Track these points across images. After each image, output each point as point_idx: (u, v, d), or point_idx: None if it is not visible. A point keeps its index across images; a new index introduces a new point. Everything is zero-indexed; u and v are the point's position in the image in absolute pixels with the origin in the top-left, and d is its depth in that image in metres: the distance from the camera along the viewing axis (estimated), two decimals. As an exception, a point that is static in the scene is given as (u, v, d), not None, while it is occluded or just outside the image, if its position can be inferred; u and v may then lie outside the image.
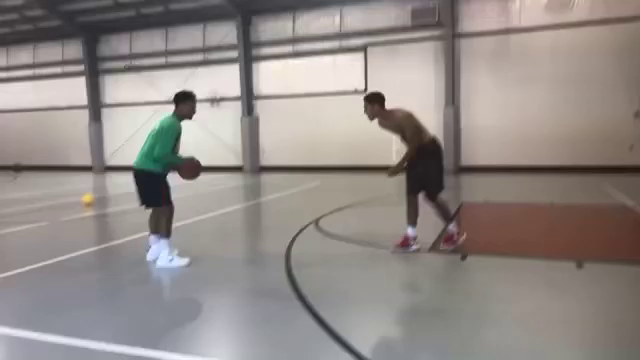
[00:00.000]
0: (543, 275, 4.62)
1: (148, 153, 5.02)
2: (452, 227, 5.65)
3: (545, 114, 14.97)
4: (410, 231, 5.54)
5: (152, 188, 5.11)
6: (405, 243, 5.52)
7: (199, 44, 19.37)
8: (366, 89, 17.05)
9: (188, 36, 19.50)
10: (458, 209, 8.46)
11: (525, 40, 15.16)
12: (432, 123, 15.73)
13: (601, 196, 9.83)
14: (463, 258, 5.28)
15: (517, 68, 15.28)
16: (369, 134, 17.14)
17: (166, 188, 5.18)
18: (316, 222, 7.47)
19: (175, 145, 5.09)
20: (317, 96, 17.78)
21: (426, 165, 5.46)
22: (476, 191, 11.82)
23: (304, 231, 6.87)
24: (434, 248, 5.61)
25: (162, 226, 5.16)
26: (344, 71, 17.42)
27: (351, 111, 16.44)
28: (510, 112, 15.38)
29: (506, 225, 7.50)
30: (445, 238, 5.70)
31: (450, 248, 5.55)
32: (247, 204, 10.65)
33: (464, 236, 5.77)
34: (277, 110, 18.49)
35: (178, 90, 5.23)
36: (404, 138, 5.50)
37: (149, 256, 5.32)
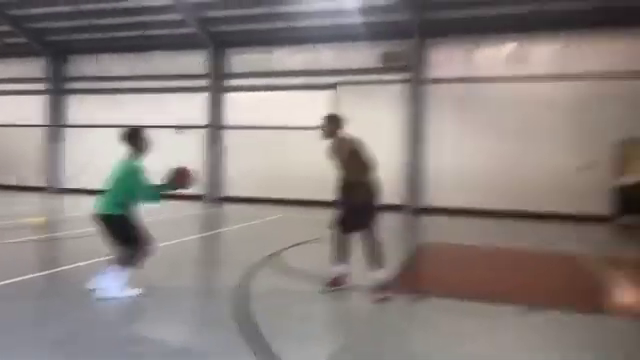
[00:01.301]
0: (491, 320, 4.69)
1: (115, 197, 4.91)
2: (381, 274, 5.39)
3: (501, 160, 15.50)
4: (341, 269, 5.48)
5: (121, 231, 4.94)
6: (337, 282, 5.46)
7: (169, 70, 19.35)
8: (333, 126, 17.33)
9: (159, 62, 19.46)
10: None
11: (486, 89, 15.82)
12: (397, 163, 16.16)
13: (548, 243, 10.14)
14: (416, 300, 5.31)
15: (479, 115, 15.88)
16: (332, 171, 17.47)
17: (135, 228, 5.03)
18: (274, 255, 7.41)
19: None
20: (286, 130, 17.92)
21: (371, 201, 5.39)
22: (434, 232, 12.01)
23: (260, 264, 6.80)
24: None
25: (124, 259, 4.99)
26: (314, 107, 17.59)
27: (319, 147, 16.69)
28: (471, 157, 15.86)
29: (460, 267, 7.62)
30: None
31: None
32: (205, 234, 10.48)
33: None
34: (244, 141, 18.50)
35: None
36: (350, 167, 5.40)
37: (94, 284, 5.10)
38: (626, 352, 4.09)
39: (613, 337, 4.45)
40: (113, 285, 4.93)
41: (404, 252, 8.44)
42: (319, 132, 5.57)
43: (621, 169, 15.50)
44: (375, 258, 5.37)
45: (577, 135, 14.88)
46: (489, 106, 15.76)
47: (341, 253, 5.53)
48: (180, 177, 5.24)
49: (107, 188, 5.00)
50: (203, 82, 18.77)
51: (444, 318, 4.77)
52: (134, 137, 5.07)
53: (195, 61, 18.93)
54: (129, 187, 4.91)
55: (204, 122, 18.87)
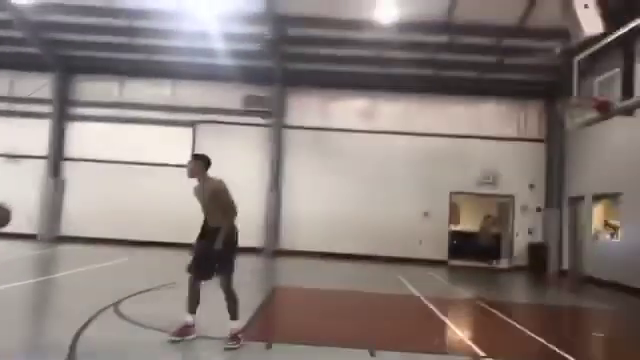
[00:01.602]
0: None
1: None
2: (235, 324, 5.21)
3: (354, 206, 16.50)
4: (189, 319, 5.26)
5: None
6: (183, 332, 5.20)
7: (3, 92, 17.14)
8: (191, 164, 16.82)
9: (-9, 81, 17.15)
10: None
11: (340, 138, 16.90)
12: (255, 205, 16.17)
13: (396, 285, 10.94)
14: (269, 347, 5.25)
15: (333, 162, 16.80)
16: (190, 212, 16.77)
17: None
18: (116, 305, 6.76)
19: None
20: (137, 165, 16.88)
21: (232, 247, 5.27)
22: (290, 275, 12.15)
23: (100, 315, 6.14)
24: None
25: None
26: (170, 144, 16.97)
27: (172, 186, 15.96)
28: (325, 202, 16.58)
29: (312, 311, 7.79)
30: (182, 330, 5.18)
31: (234, 346, 5.05)
32: (36, 280, 9.20)
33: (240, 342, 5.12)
34: (89, 175, 16.92)
35: None
36: (212, 210, 5.28)
37: None
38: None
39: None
40: None
41: (260, 296, 8.35)
42: (186, 170, 5.35)
43: (453, 218, 17.61)
44: (229, 309, 5.22)
45: (419, 185, 16.54)
46: (342, 155, 16.81)
47: (190, 301, 5.28)
48: None
49: None
50: (45, 108, 16.96)
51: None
52: None
53: (35, 84, 17.04)
54: None
55: (44, 152, 16.93)
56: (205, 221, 5.42)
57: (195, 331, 5.27)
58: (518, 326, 7.16)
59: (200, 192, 5.36)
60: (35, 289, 8.34)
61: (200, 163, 5.33)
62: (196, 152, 5.52)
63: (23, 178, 16.71)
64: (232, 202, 5.30)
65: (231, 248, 5.26)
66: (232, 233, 5.28)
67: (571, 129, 11.06)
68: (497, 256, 17.67)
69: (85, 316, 5.86)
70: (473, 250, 18.10)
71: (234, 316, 5.21)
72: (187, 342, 5.15)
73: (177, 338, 5.14)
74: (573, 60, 10.33)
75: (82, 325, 5.49)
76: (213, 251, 5.11)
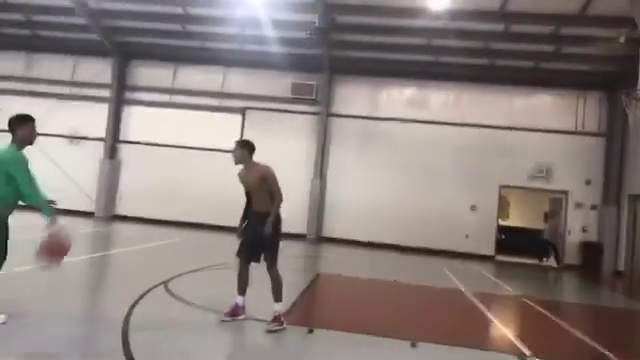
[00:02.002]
0: (380, 353, 4.85)
1: None
2: (278, 306, 5.28)
3: (399, 197, 16.35)
4: (239, 300, 5.42)
5: None
6: (234, 313, 5.38)
7: (66, 76, 18.04)
8: (239, 150, 17.16)
9: (55, 65, 18.07)
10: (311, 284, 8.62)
11: (388, 128, 16.73)
12: (300, 192, 16.35)
13: (440, 278, 10.81)
14: (310, 331, 5.35)
15: (379, 152, 16.68)
16: (237, 196, 17.14)
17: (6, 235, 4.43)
18: (166, 283, 7.06)
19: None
20: (188, 149, 17.39)
21: (278, 231, 5.35)
22: (333, 262, 12.24)
23: (151, 292, 6.44)
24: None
25: None
26: (220, 130, 17.38)
27: (222, 170, 16.34)
28: (370, 191, 16.52)
29: (354, 299, 7.83)
30: (232, 310, 5.38)
31: (275, 327, 5.14)
32: (93, 255, 9.73)
33: (283, 325, 5.21)
34: (143, 158, 17.62)
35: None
36: (260, 195, 5.36)
37: None
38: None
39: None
40: None
41: (304, 281, 8.49)
42: (231, 156, 5.47)
43: (501, 213, 17.13)
44: (274, 290, 5.33)
45: (467, 177, 16.16)
46: (389, 144, 16.63)
47: (240, 283, 5.45)
48: (49, 251, 4.36)
49: None
50: (104, 92, 17.74)
51: (337, 350, 4.85)
52: (22, 122, 4.51)
53: (96, 69, 17.84)
54: (10, 180, 4.30)
55: (102, 134, 17.76)
56: (248, 205, 5.51)
57: (245, 312, 5.44)
58: (566, 326, 6.93)
59: (246, 177, 5.45)
60: (92, 264, 8.81)
61: (246, 150, 5.40)
62: (241, 138, 5.56)
63: (83, 159, 17.61)
64: (279, 188, 5.37)
65: (278, 233, 5.36)
66: (279, 218, 5.37)
67: (634, 123, 10.47)
68: (547, 254, 17.06)
69: (137, 293, 6.16)
70: (523, 246, 17.58)
71: (278, 298, 5.31)
72: (237, 322, 5.33)
73: (228, 318, 5.34)
74: (639, 50, 9.76)
75: (134, 301, 5.78)
76: (262, 235, 5.22)
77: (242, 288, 5.44)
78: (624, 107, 10.64)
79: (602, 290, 12.71)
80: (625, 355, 5.51)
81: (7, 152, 4.45)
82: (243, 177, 5.50)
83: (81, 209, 17.10)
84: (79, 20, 16.13)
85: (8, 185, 4.36)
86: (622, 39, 12.63)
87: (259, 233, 5.24)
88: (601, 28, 13.32)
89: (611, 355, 5.48)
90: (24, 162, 4.43)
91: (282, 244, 5.46)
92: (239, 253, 5.45)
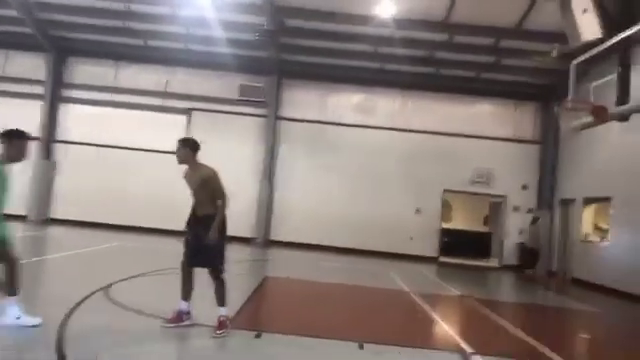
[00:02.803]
0: (328, 355, 4.83)
1: None
2: (224, 311, 5.15)
3: (346, 200, 16.50)
4: (183, 306, 5.25)
5: None
6: (178, 319, 5.20)
7: (-4, 71, 16.94)
8: (184, 152, 16.73)
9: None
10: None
11: (336, 132, 16.87)
12: (247, 195, 16.13)
13: (386, 280, 10.98)
14: (257, 336, 5.26)
15: (327, 156, 16.76)
16: (181, 198, 16.69)
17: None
18: (106, 289, 6.73)
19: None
20: (131, 150, 16.76)
21: (223, 235, 5.19)
22: (281, 265, 12.15)
23: (89, 299, 6.11)
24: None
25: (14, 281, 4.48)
26: (164, 131, 16.85)
27: (166, 172, 15.85)
28: (317, 194, 16.57)
29: (302, 303, 7.80)
30: (176, 317, 5.22)
31: (223, 335, 5.02)
32: (27, 261, 9.11)
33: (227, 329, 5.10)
34: (82, 158, 16.78)
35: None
36: (202, 197, 5.20)
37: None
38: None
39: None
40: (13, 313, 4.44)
41: (251, 285, 8.35)
42: (175, 157, 5.27)
43: (444, 216, 17.68)
44: (218, 295, 5.17)
45: (412, 182, 16.56)
46: (337, 148, 16.75)
47: (184, 288, 5.27)
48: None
49: None
50: (38, 89, 16.78)
51: (284, 354, 4.79)
52: (16, 137, 4.53)
53: (29, 65, 16.85)
54: None
55: (35, 134, 16.73)
56: (194, 208, 5.34)
57: (190, 318, 5.26)
58: (506, 324, 7.22)
59: (190, 178, 5.28)
60: (24, 271, 8.25)
61: (188, 149, 5.21)
62: (184, 137, 5.36)
63: (14, 159, 16.53)
64: (223, 190, 5.22)
65: (223, 237, 5.21)
66: (224, 222, 5.22)
67: (566, 132, 11.12)
68: (487, 254, 17.78)
69: (74, 300, 5.83)
70: (466, 248, 18.24)
71: (222, 302, 5.15)
72: (182, 329, 5.15)
73: (171, 325, 5.14)
74: (570, 64, 10.38)
75: (71, 308, 5.46)
76: (204, 240, 5.05)
77: (186, 293, 5.26)
78: (556, 117, 11.27)
79: (537, 289, 13.37)
80: (559, 349, 5.79)
81: None
82: (187, 177, 5.33)
83: (12, 212, 16.02)
84: (10, 12, 15.16)
85: None
86: (554, 53, 13.37)
87: (201, 237, 5.07)
88: (536, 42, 14.05)
89: (547, 350, 5.76)
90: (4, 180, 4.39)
91: (227, 248, 5.31)
92: (184, 257, 5.28)
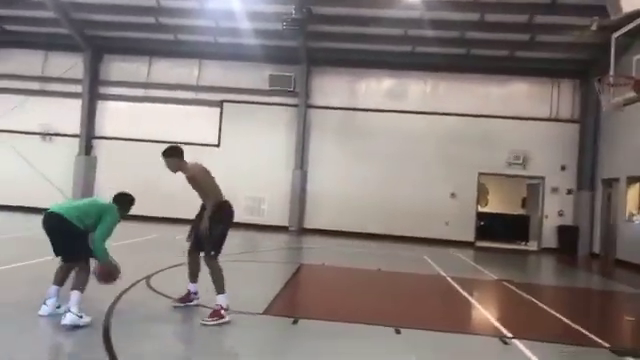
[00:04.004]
0: (365, 340, 4.87)
1: (81, 210, 4.94)
2: (221, 299, 5.09)
3: (379, 186, 16.41)
4: (191, 287, 5.58)
5: (76, 241, 4.80)
6: (185, 299, 5.56)
7: (36, 72, 17.56)
8: (219, 144, 17.00)
9: (24, 61, 17.57)
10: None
11: (367, 118, 16.77)
12: (281, 184, 16.29)
13: (421, 265, 10.92)
14: (295, 322, 5.34)
15: (359, 142, 16.70)
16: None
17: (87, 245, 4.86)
18: (148, 279, 6.96)
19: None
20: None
21: (215, 224, 5.29)
22: (316, 253, 12.24)
23: (133, 288, 6.34)
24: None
25: (83, 281, 4.70)
26: (197, 123, 17.20)
27: (202, 163, 16.20)
28: (350, 181, 16.55)
29: (338, 289, 7.85)
30: (184, 297, 5.57)
31: (214, 322, 4.98)
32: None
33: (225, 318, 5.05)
34: (119, 153, 17.31)
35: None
36: (198, 192, 5.45)
37: (45, 310, 4.80)
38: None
39: (477, 355, 4.89)
40: (75, 312, 4.54)
41: (287, 273, 8.47)
42: (166, 165, 5.51)
43: (480, 200, 17.37)
44: (214, 282, 5.19)
45: (446, 166, 16.32)
46: (369, 135, 16.66)
47: (190, 271, 5.61)
48: (105, 270, 4.92)
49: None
50: (76, 87, 17.32)
51: (322, 340, 4.85)
52: (129, 202, 5.55)
53: (67, 64, 17.39)
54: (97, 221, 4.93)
55: (76, 131, 17.35)
56: (205, 203, 5.55)
57: (198, 297, 5.56)
58: (546, 308, 7.07)
59: (192, 180, 5.49)
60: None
61: (175, 157, 5.43)
62: (165, 149, 5.56)
63: (57, 156, 17.23)
64: (210, 183, 5.40)
65: (216, 225, 5.28)
66: (217, 211, 5.32)
67: (607, 109, 10.69)
68: (525, 238, 17.39)
69: (119, 288, 6.05)
70: (503, 232, 17.90)
71: (220, 290, 5.15)
72: (190, 308, 5.46)
73: (179, 304, 5.51)
74: (611, 37, 9.95)
75: (116, 297, 5.68)
76: (201, 229, 5.29)
77: (192, 275, 5.60)
78: (597, 93, 10.85)
79: (578, 272, 13.02)
80: (602, 333, 5.64)
81: (113, 209, 5.37)
82: (189, 181, 5.55)
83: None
84: (48, 14, 15.66)
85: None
86: (594, 26, 12.86)
87: (200, 227, 5.35)
88: (573, 16, 13.54)
89: (589, 334, 5.62)
90: (114, 223, 5.18)
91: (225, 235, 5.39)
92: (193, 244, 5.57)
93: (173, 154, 5.43)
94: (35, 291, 5.32)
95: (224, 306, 5.03)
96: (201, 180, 5.38)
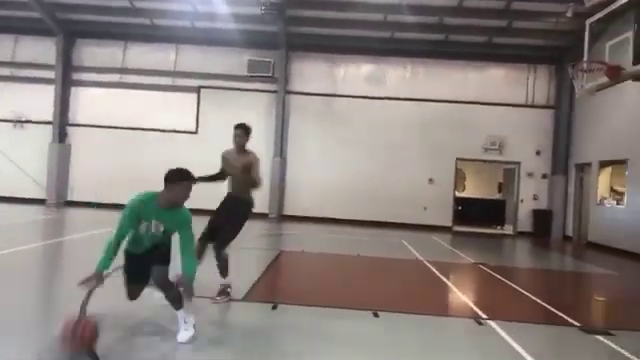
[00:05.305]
0: (343, 324, 4.94)
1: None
2: (227, 280, 5.48)
3: (358, 172, 16.47)
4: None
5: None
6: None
7: (6, 57, 17.03)
8: (197, 130, 16.81)
9: (-6, 46, 17.04)
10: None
11: (346, 104, 16.76)
12: (260, 171, 16.17)
13: (400, 250, 11.06)
14: (274, 307, 5.38)
15: (338, 128, 16.70)
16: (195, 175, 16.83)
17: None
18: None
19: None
20: (142, 130, 16.87)
21: (236, 216, 5.41)
22: (295, 240, 12.29)
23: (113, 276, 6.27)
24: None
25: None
26: (175, 110, 16.96)
27: (177, 151, 16.02)
28: (330, 167, 16.57)
29: (317, 274, 7.91)
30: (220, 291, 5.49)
31: (224, 300, 5.38)
32: (44, 243, 9.37)
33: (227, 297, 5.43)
34: (95, 140, 16.96)
35: None
36: (242, 180, 5.42)
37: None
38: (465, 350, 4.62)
39: (453, 337, 5.01)
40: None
41: (266, 259, 8.49)
42: (236, 139, 5.50)
43: (458, 185, 17.61)
44: (221, 267, 5.44)
45: (424, 151, 16.47)
46: (348, 121, 16.67)
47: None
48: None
49: None
50: (49, 73, 16.85)
51: (301, 323, 4.90)
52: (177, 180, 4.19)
53: (39, 50, 16.89)
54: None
55: (49, 117, 16.94)
56: (231, 187, 5.57)
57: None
58: (519, 289, 7.26)
59: (234, 161, 5.47)
60: (44, 252, 8.49)
61: (248, 136, 5.55)
62: (242, 123, 5.63)
63: (30, 144, 16.82)
64: (260, 177, 5.52)
65: (245, 218, 5.50)
66: (251, 204, 5.53)
67: (581, 95, 10.89)
68: (502, 222, 17.74)
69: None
70: (480, 216, 18.23)
71: (225, 274, 5.45)
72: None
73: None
74: (585, 23, 10.10)
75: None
76: (231, 220, 5.34)
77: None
78: (571, 79, 11.03)
79: (552, 254, 13.36)
80: (573, 313, 5.83)
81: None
82: (228, 159, 5.53)
83: (31, 196, 16.40)
84: (17, -4, 15.17)
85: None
86: (569, 13, 13.02)
87: (229, 215, 5.34)
88: (549, 3, 13.68)
89: (561, 314, 5.80)
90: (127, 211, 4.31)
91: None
92: (205, 231, 5.47)
93: (249, 132, 5.56)
94: None
95: (229, 285, 5.44)
96: (257, 169, 5.44)
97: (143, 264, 4.21)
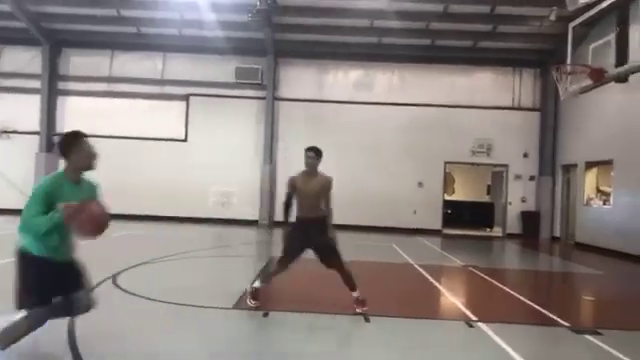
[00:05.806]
0: (335, 329, 4.95)
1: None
2: (356, 293, 5.71)
3: (348, 177, 16.31)
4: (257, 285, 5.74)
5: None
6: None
7: (-8, 67, 16.91)
8: (186, 138, 16.75)
9: (-22, 56, 16.88)
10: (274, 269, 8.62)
11: (335, 110, 16.82)
12: (250, 177, 16.17)
13: (390, 254, 11.09)
14: (265, 315, 5.37)
15: (327, 134, 16.63)
16: (184, 184, 16.81)
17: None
18: (114, 277, 6.86)
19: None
20: (131, 139, 16.77)
21: (325, 235, 5.75)
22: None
23: (98, 287, 6.22)
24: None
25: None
26: (163, 118, 16.91)
27: (166, 159, 15.97)
28: (320, 173, 16.56)
29: (307, 281, 7.89)
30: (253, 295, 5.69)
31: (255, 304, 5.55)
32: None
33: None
34: (83, 150, 16.82)
35: None
36: (317, 201, 5.73)
37: None
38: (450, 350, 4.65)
39: (444, 339, 5.04)
40: None
41: (256, 267, 8.46)
42: (309, 163, 5.71)
43: (446, 188, 17.72)
44: (347, 282, 5.79)
45: (413, 155, 16.56)
46: (337, 126, 16.71)
47: (273, 275, 5.99)
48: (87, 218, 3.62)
49: None
50: (35, 83, 16.72)
51: (292, 330, 4.90)
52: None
53: (24, 59, 16.77)
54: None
55: (36, 127, 16.78)
56: (306, 210, 5.85)
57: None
58: (509, 291, 7.32)
59: (308, 183, 5.72)
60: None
61: (320, 159, 5.78)
62: (315, 147, 5.91)
63: (16, 154, 16.65)
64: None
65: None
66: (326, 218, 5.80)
67: (565, 97, 11.05)
68: (491, 224, 17.88)
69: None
70: (469, 219, 18.35)
71: (354, 287, 5.67)
72: (158, 305, 5.42)
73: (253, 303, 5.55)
74: (568, 26, 10.25)
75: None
76: (325, 238, 5.70)
77: (269, 277, 5.99)
78: (555, 82, 11.19)
79: (540, 255, 13.48)
80: (562, 313, 5.89)
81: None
82: (302, 182, 5.77)
83: (19, 207, 16.18)
84: (2, 6, 15.03)
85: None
86: (552, 16, 13.22)
87: (317, 236, 5.65)
88: (533, 7, 13.89)
89: (550, 314, 5.86)
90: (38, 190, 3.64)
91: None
92: (284, 254, 5.92)
93: (321, 155, 5.75)
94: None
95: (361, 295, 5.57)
96: (330, 192, 5.69)
97: (59, 277, 3.67)
